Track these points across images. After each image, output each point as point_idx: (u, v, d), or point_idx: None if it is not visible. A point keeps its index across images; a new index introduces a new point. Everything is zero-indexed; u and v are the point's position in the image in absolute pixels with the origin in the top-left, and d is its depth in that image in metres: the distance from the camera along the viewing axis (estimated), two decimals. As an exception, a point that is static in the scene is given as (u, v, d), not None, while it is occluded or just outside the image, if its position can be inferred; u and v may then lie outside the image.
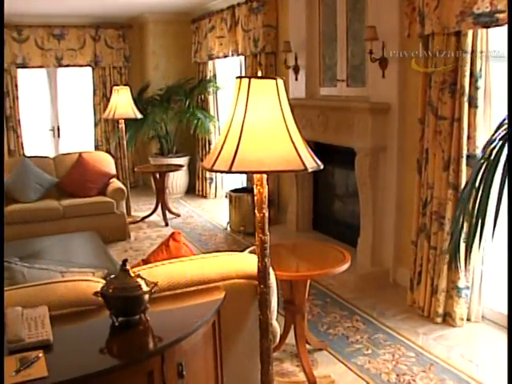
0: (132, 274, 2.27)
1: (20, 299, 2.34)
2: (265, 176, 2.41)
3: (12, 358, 2.02)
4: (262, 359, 2.65)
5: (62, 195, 6.94)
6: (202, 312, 2.41)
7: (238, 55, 7.74)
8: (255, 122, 2.28)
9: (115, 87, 7.86)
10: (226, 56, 8.18)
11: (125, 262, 2.30)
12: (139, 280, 2.26)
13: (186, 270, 2.64)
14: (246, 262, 2.77)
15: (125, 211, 7.03)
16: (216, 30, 8.36)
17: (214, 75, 8.99)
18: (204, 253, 3.13)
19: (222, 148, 2.30)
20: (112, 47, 9.84)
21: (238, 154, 2.24)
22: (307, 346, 3.87)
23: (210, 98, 9.03)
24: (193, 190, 9.40)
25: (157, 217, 7.82)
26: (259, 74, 2.42)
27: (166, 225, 7.50)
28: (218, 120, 8.92)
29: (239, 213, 6.86)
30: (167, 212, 7.73)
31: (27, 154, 8.63)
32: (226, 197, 8.47)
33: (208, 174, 9.03)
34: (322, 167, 2.37)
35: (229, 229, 7.11)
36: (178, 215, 7.97)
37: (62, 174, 7.09)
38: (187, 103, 9.00)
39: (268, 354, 2.64)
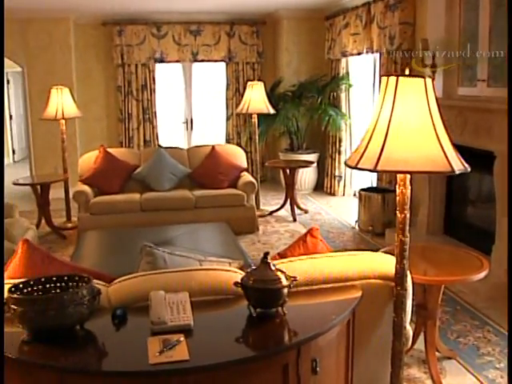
0: (272, 267, 2.30)
1: (163, 284, 2.44)
2: (408, 176, 2.37)
3: (155, 338, 2.11)
4: (393, 362, 2.61)
5: (194, 186, 7.17)
6: (338, 310, 2.40)
7: (373, 53, 7.64)
8: (402, 121, 2.25)
9: (249, 82, 7.98)
10: (359, 53, 8.09)
11: (266, 254, 2.33)
12: (279, 274, 2.29)
13: (324, 266, 2.64)
14: (382, 262, 2.73)
15: (254, 204, 7.13)
16: (350, 27, 8.29)
17: (347, 72, 8.91)
18: (333, 251, 3.10)
19: (367, 146, 2.29)
20: (246, 43, 9.99)
21: (383, 153, 2.22)
22: (436, 354, 3.76)
23: (342, 96, 8.97)
24: (321, 187, 9.38)
25: (285, 212, 7.88)
26: (407, 72, 2.37)
27: (294, 220, 7.53)
28: (350, 118, 8.85)
29: (368, 212, 6.78)
30: (295, 207, 7.77)
31: (161, 144, 8.95)
32: (355, 195, 8.40)
33: (337, 172, 8.99)
34: (469, 170, 2.30)
35: (357, 228, 7.05)
36: (306, 211, 7.98)
37: (195, 166, 7.32)
38: (319, 100, 9.00)
39: (400, 358, 2.59)
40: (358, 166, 2.28)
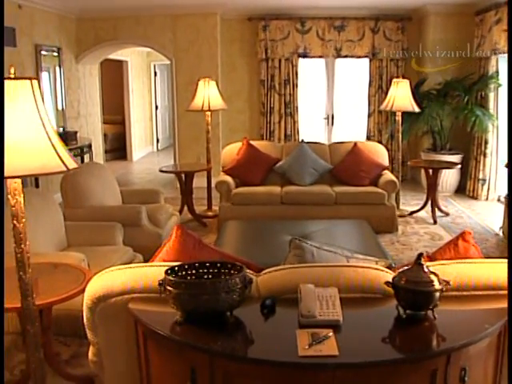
0: (426, 269, 2.24)
1: (311, 277, 2.43)
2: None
3: (304, 331, 2.12)
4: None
5: (334, 182, 7.15)
6: (490, 319, 2.29)
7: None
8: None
9: (395, 79, 7.83)
10: (512, 51, 7.69)
11: (420, 255, 2.27)
12: (432, 276, 2.22)
13: (476, 272, 2.52)
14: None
15: (394, 204, 7.00)
16: (503, 23, 7.88)
17: (497, 71, 8.51)
18: (485, 257, 2.97)
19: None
20: (390, 39, 9.78)
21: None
22: None
23: (491, 96, 8.59)
24: (463, 190, 9.04)
25: (425, 213, 7.68)
26: None
27: (435, 222, 7.31)
28: (497, 119, 8.45)
29: (515, 218, 6.45)
30: (436, 209, 7.54)
31: (303, 139, 8.98)
32: (499, 200, 8.03)
33: (481, 175, 8.63)
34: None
35: (501, 234, 6.72)
36: (447, 214, 7.72)
37: (336, 162, 7.30)
38: (465, 99, 8.66)
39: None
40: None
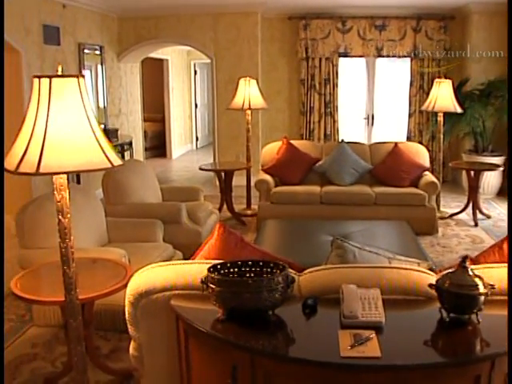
0: (470, 273, 2.20)
1: (354, 278, 2.42)
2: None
3: (346, 332, 2.11)
4: None
5: (374, 182, 7.12)
6: (537, 324, 2.25)
7: None
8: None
9: (437, 80, 7.74)
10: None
11: (465, 258, 2.23)
12: (477, 280, 2.19)
13: (523, 276, 2.48)
14: None
15: (435, 205, 6.91)
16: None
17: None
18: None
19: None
20: (432, 39, 9.66)
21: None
22: None
23: (536, 97, 8.42)
24: (504, 193, 8.87)
25: (466, 215, 7.57)
26: None
27: (476, 225, 7.19)
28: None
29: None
30: (477, 212, 7.42)
31: (344, 139, 8.95)
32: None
33: (524, 177, 8.48)
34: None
35: (545, 238, 6.58)
36: (489, 217, 7.58)
37: (377, 162, 7.26)
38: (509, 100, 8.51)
39: None
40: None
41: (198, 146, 15.29)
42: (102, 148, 2.48)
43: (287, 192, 6.90)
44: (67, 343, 3.49)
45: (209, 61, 9.97)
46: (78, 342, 2.85)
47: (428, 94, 8.02)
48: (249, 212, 7.75)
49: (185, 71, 14.58)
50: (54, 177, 2.55)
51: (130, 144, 9.38)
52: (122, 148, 8.94)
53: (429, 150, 8.21)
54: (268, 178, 7.04)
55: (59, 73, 2.53)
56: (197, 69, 14.82)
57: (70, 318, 2.79)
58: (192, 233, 5.66)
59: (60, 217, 2.61)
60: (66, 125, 2.42)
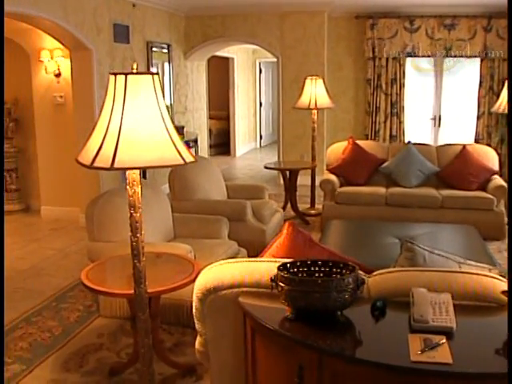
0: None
1: (424, 281, 2.38)
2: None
3: (416, 336, 2.07)
4: None
5: (440, 185, 6.98)
6: None
7: None
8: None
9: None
10: None
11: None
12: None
13: None
14: None
15: (504, 210, 6.73)
16: None
17: None
18: None
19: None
20: (504, 38, 9.38)
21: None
22: None
23: None
24: None
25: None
26: None
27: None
28: None
29: None
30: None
31: (410, 140, 8.83)
32: None
33: None
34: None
35: None
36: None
37: (444, 164, 7.11)
38: None
39: None
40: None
41: (262, 145, 15.35)
42: (174, 144, 2.52)
43: (352, 192, 6.86)
44: (133, 335, 3.56)
45: (274, 60, 10.00)
46: (146, 334, 2.90)
47: (498, 95, 7.81)
48: (312, 212, 7.73)
49: (250, 70, 14.65)
50: (127, 172, 2.60)
51: (196, 141, 9.49)
52: (188, 145, 9.04)
53: (498, 153, 8.02)
54: (333, 177, 7.01)
55: (134, 70, 2.58)
56: (262, 68, 14.88)
57: (139, 311, 2.85)
58: (256, 231, 5.69)
59: (132, 211, 2.66)
60: (140, 121, 2.47)
